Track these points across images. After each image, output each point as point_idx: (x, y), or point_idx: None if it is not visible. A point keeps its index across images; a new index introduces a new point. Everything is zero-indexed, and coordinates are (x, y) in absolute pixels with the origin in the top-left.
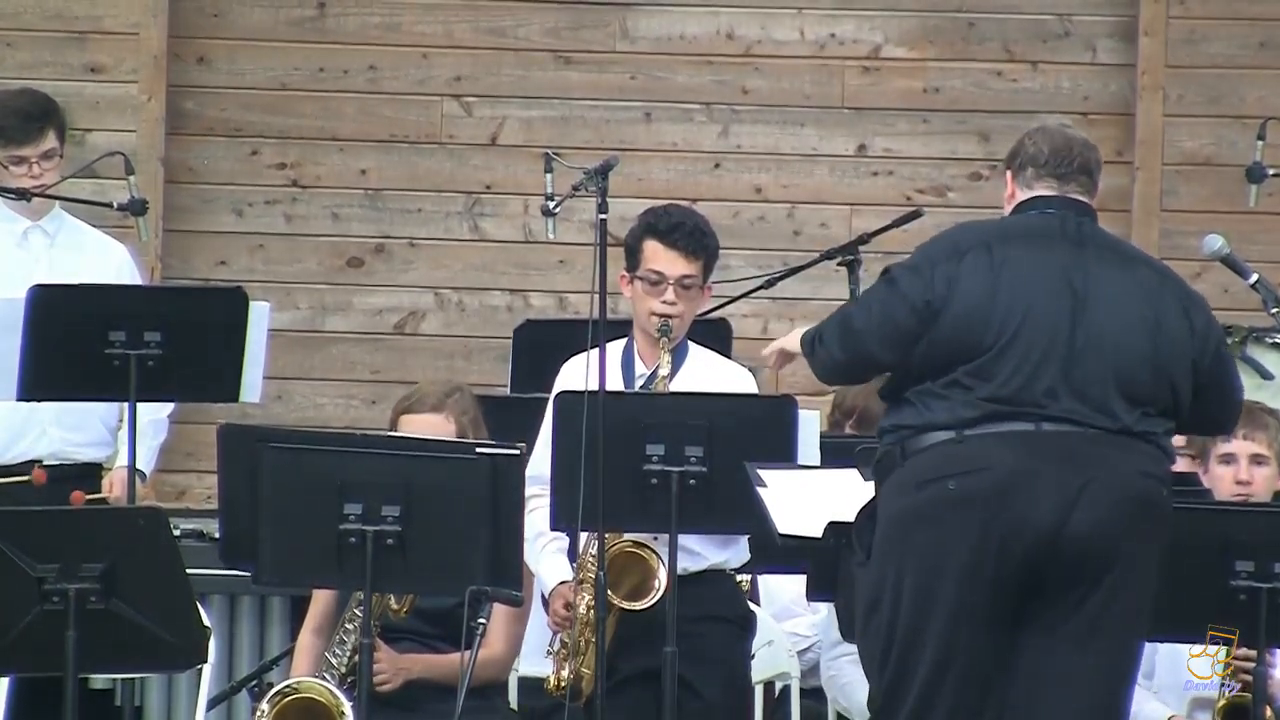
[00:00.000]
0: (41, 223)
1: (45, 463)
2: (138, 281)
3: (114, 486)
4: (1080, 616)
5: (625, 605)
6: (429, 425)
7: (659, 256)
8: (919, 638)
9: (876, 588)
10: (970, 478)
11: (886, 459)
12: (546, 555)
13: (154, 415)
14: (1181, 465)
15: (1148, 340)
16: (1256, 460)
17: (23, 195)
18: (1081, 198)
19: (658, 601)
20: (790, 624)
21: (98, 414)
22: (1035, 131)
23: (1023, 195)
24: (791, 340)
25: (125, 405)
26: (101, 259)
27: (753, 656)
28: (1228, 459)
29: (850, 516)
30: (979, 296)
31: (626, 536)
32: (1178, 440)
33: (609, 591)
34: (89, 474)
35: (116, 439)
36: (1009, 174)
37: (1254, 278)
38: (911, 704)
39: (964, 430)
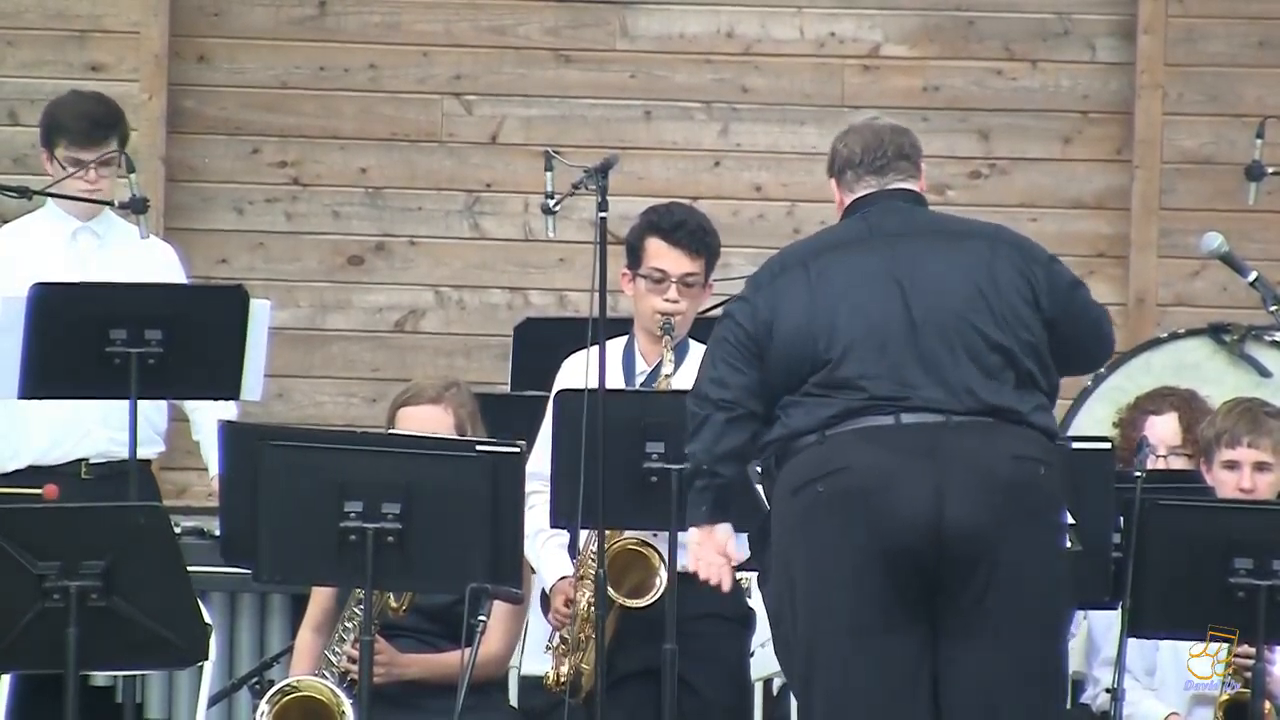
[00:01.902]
0: (91, 224)
1: (91, 461)
2: (191, 284)
3: None
4: (987, 610)
5: (626, 603)
6: (428, 416)
7: (662, 255)
8: (814, 650)
9: (776, 601)
10: (835, 478)
11: (766, 475)
12: (547, 551)
13: (222, 415)
14: (1182, 463)
15: (987, 311)
16: (1260, 467)
17: (24, 194)
18: (904, 185)
19: (658, 600)
20: None
21: (144, 413)
22: (844, 134)
23: (848, 199)
24: (690, 536)
25: (178, 406)
26: (150, 260)
27: (752, 654)
28: (1232, 465)
29: None
30: (800, 314)
31: (628, 534)
32: (1175, 440)
33: (611, 588)
34: (138, 471)
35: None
36: (832, 183)
37: (1253, 275)
38: (824, 708)
39: (825, 431)
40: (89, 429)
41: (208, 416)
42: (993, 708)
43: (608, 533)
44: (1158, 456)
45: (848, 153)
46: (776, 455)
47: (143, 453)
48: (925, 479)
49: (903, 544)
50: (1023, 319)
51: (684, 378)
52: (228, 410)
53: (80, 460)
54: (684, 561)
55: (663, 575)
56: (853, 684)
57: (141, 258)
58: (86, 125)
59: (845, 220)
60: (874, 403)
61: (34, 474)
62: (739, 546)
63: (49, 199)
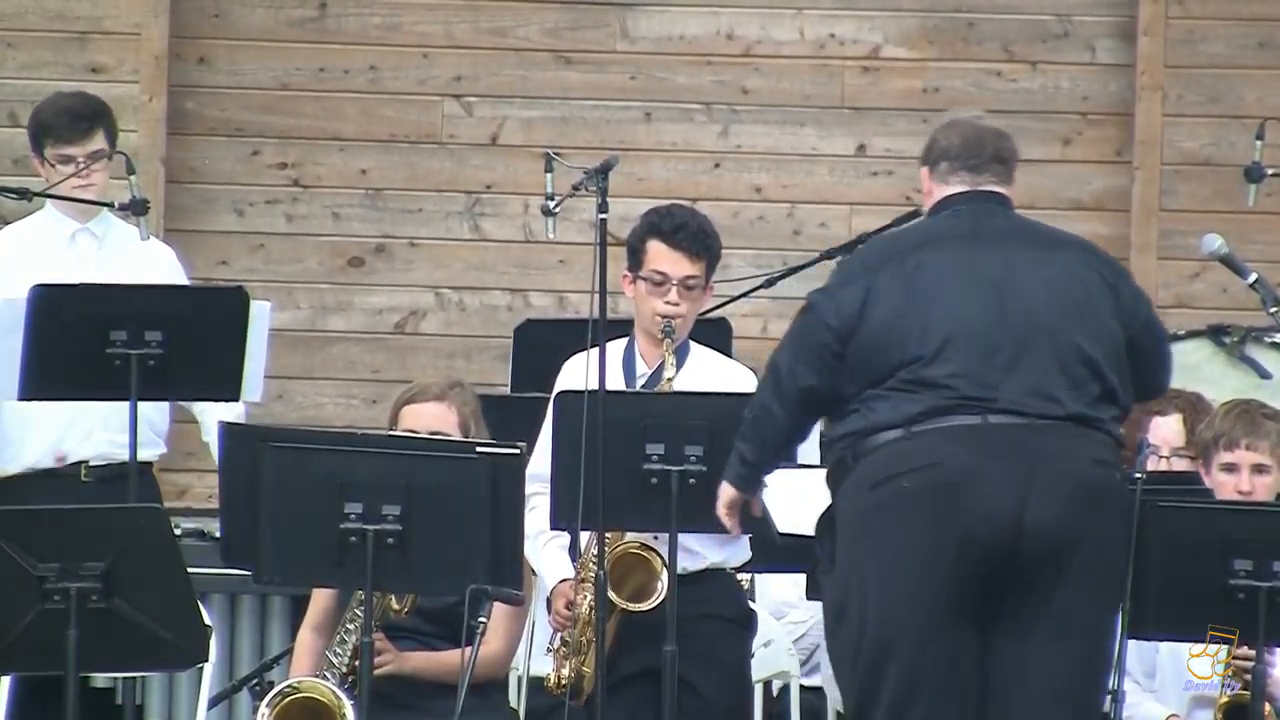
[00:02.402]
0: (90, 225)
1: (92, 463)
2: (192, 285)
3: None
4: (1052, 612)
5: (628, 606)
6: (432, 414)
7: (663, 257)
8: (888, 642)
9: (841, 593)
10: (922, 474)
11: (838, 466)
12: (547, 553)
13: (228, 416)
14: (1185, 465)
15: (1078, 321)
16: (1258, 469)
17: (23, 195)
18: (996, 188)
19: (660, 604)
20: (784, 619)
21: (146, 415)
22: (946, 126)
23: (939, 193)
24: (724, 491)
25: (183, 408)
26: (151, 262)
27: (752, 655)
28: (1230, 468)
29: None
30: (895, 307)
31: (630, 538)
32: (1179, 441)
33: (613, 592)
34: (138, 473)
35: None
36: (925, 171)
37: (1252, 277)
38: (885, 710)
39: (911, 427)
40: (90, 431)
41: (216, 419)
42: (1054, 706)
43: (610, 536)
44: (1161, 457)
45: (946, 144)
46: (853, 448)
47: (144, 454)
48: (1011, 479)
49: (981, 542)
50: (1111, 333)
51: (684, 380)
52: (235, 412)
53: (81, 462)
54: (684, 563)
55: (665, 579)
56: (923, 676)
57: (141, 259)
58: (67, 119)
59: (939, 216)
60: (962, 402)
61: (35, 476)
62: (739, 548)
63: (48, 201)
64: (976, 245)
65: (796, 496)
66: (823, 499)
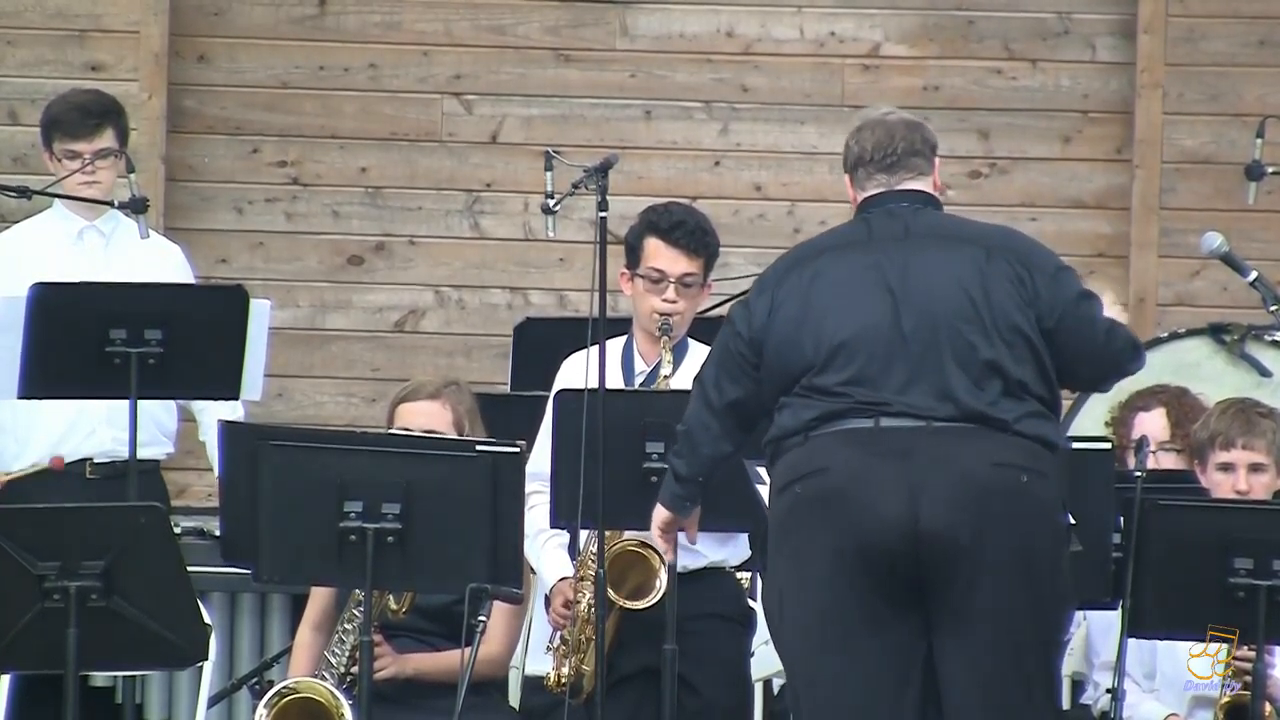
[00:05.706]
0: (97, 223)
1: (96, 461)
2: (191, 283)
3: None
4: (976, 612)
5: (627, 604)
6: (426, 412)
7: (660, 255)
8: (800, 649)
9: (767, 597)
10: (813, 479)
11: (768, 473)
12: (546, 552)
13: (228, 415)
14: (1181, 464)
15: (975, 320)
16: (1255, 468)
17: (23, 193)
18: (913, 185)
19: (659, 601)
20: None
21: (153, 413)
22: (857, 130)
23: (861, 197)
24: (658, 514)
25: (185, 406)
26: (158, 260)
27: (752, 654)
28: (1226, 467)
29: None
30: (792, 317)
31: (629, 536)
32: (1164, 435)
33: (611, 590)
34: (144, 470)
35: (174, 439)
36: (847, 179)
37: (1253, 275)
38: (811, 709)
39: (808, 433)
40: (94, 428)
41: (215, 417)
42: (976, 705)
43: (609, 534)
44: (1149, 453)
45: (859, 150)
46: (771, 455)
47: (151, 453)
48: (900, 481)
49: (878, 544)
50: (1017, 328)
51: (683, 378)
52: (234, 410)
53: (85, 460)
54: (684, 562)
55: (664, 576)
56: (834, 682)
57: (148, 257)
58: (77, 115)
59: (849, 222)
60: (856, 406)
61: (39, 473)
62: (738, 547)
63: (56, 199)
64: (875, 249)
65: None
66: None
